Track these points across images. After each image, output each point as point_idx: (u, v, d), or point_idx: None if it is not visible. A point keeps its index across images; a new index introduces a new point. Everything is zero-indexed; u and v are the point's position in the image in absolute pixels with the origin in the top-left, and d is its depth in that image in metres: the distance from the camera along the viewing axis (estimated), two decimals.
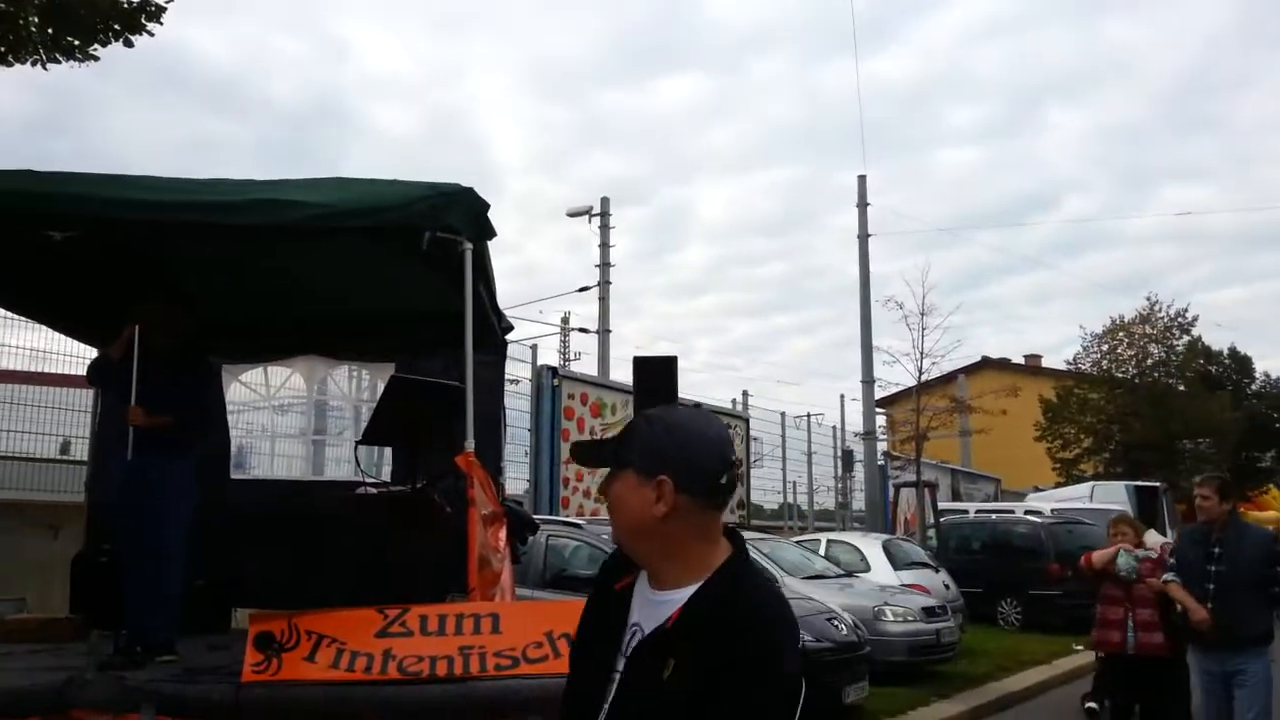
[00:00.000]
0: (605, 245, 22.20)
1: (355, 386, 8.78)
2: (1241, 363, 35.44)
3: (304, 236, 5.25)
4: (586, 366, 24.94)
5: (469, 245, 5.15)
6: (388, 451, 7.37)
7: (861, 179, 22.30)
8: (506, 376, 13.95)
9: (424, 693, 4.30)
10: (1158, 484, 25.10)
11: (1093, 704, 9.81)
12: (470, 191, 5.11)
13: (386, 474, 7.10)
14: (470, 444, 5.20)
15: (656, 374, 6.83)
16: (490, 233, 5.37)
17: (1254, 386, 35.30)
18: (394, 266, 5.74)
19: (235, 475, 7.85)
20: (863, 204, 22.01)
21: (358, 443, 6.24)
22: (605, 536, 9.30)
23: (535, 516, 10.02)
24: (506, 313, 7.12)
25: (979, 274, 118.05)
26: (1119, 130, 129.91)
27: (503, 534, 5.56)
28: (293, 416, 8.77)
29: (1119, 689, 7.47)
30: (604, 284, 22.08)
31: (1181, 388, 29.46)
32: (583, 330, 29.48)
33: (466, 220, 5.12)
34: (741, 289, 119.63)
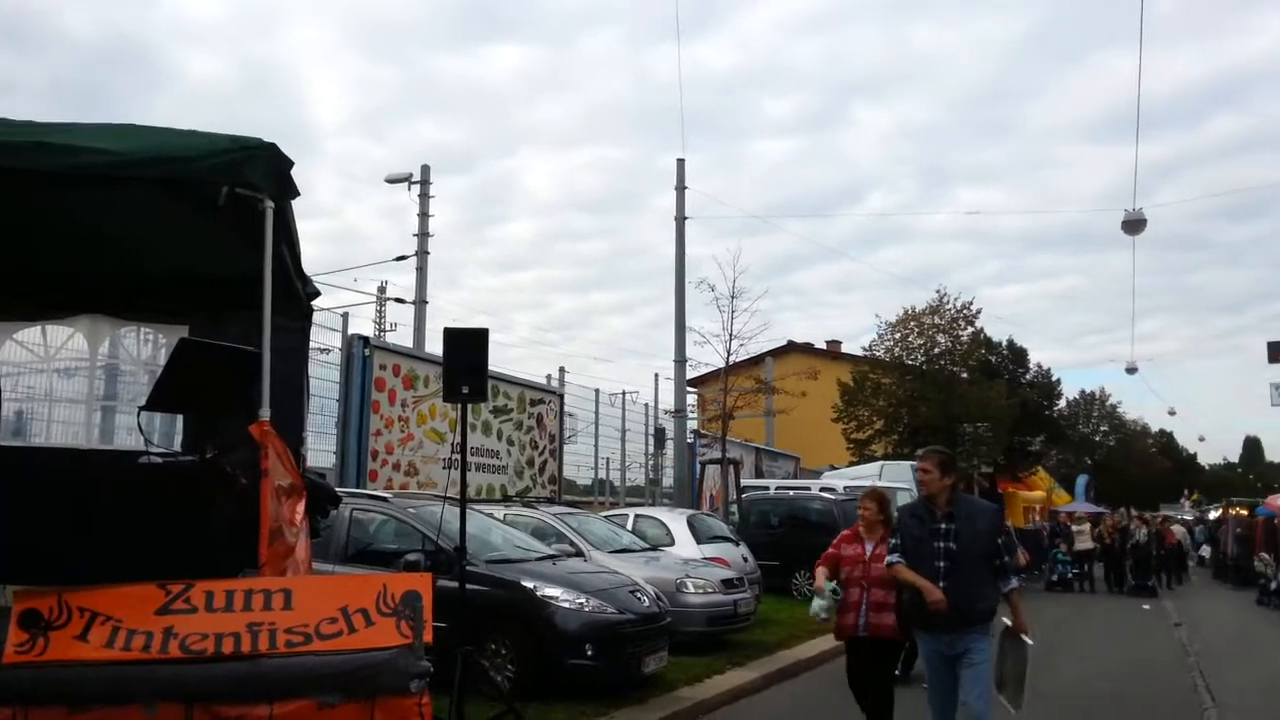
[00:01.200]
0: (424, 214, 21.71)
1: (146, 349, 8.24)
2: (1018, 354, 38.28)
3: (92, 185, 4.87)
4: (403, 338, 24.42)
5: (270, 204, 4.92)
6: (181, 419, 6.96)
7: (680, 162, 22.69)
8: (315, 345, 13.49)
9: (208, 672, 4.11)
10: None
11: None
12: (273, 147, 4.87)
13: (179, 443, 6.71)
14: (265, 412, 4.99)
15: (467, 347, 6.75)
16: (293, 192, 5.14)
17: (1028, 376, 38.21)
18: (190, 223, 5.41)
19: (7, 442, 7.24)
20: (681, 187, 22.39)
21: (141, 408, 5.85)
22: (413, 510, 9.13)
23: (341, 489, 9.74)
24: (320, 279, 6.86)
25: (788, 261, 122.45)
26: (920, 131, 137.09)
27: (300, 507, 5.37)
28: (75, 380, 8.15)
29: (852, 672, 7.06)
30: (422, 254, 21.60)
31: (964, 375, 31.51)
32: (399, 301, 28.77)
33: (268, 177, 4.88)
34: (563, 265, 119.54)
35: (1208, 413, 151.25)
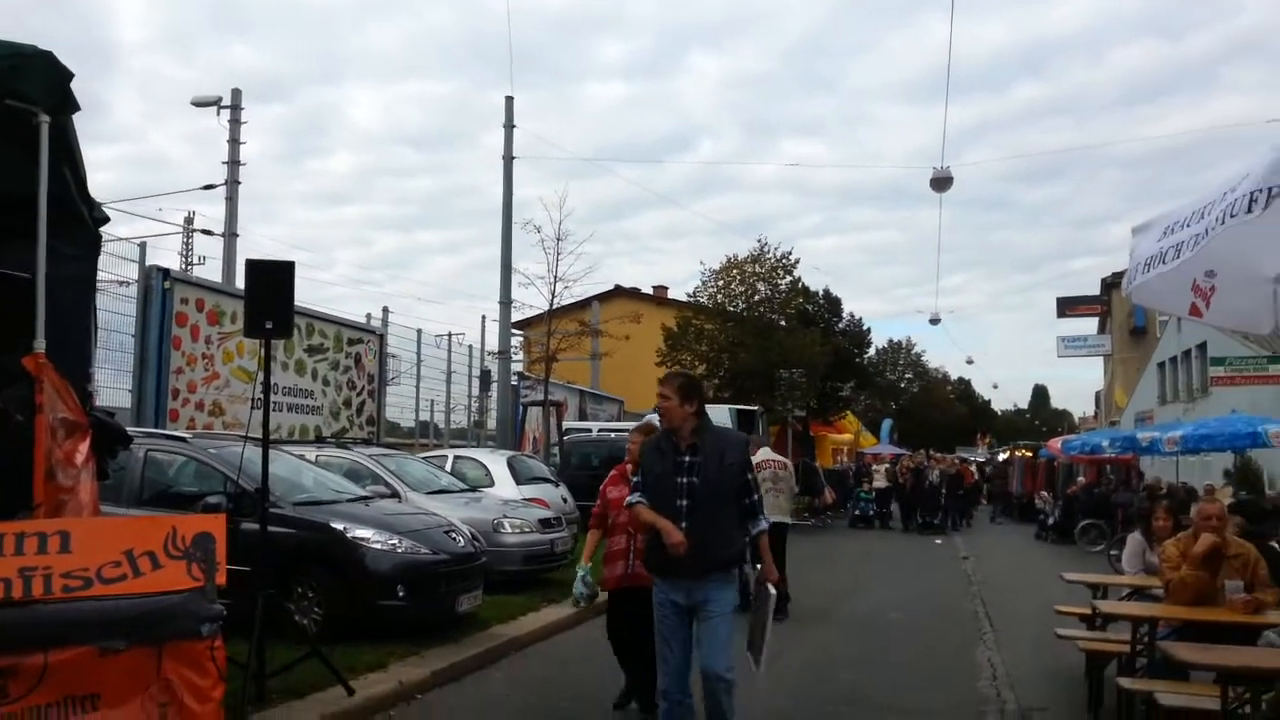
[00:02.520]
0: (235, 141, 20.53)
1: None
2: (833, 303, 39.77)
3: None
4: (213, 272, 23.14)
5: (46, 118, 4.53)
6: None
7: (509, 100, 22.23)
8: (110, 276, 12.60)
9: None
10: (756, 408, 27.77)
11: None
12: (48, 55, 4.48)
13: None
14: (40, 344, 4.64)
15: (272, 281, 6.44)
16: (73, 106, 4.74)
17: (841, 325, 39.76)
18: None
19: None
20: (509, 125, 21.98)
21: None
22: (213, 451, 8.74)
23: (137, 430, 9.20)
24: (120, 207, 6.41)
25: (619, 206, 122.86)
26: (750, 80, 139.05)
27: (83, 446, 5.03)
28: None
29: (613, 626, 6.65)
30: (233, 184, 20.46)
31: (782, 323, 32.55)
32: (207, 233, 27.21)
33: (43, 89, 4.49)
34: (388, 201, 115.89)
35: (1002, 362, 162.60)
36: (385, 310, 21.28)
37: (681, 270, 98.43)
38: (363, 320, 19.46)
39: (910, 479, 26.81)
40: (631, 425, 24.60)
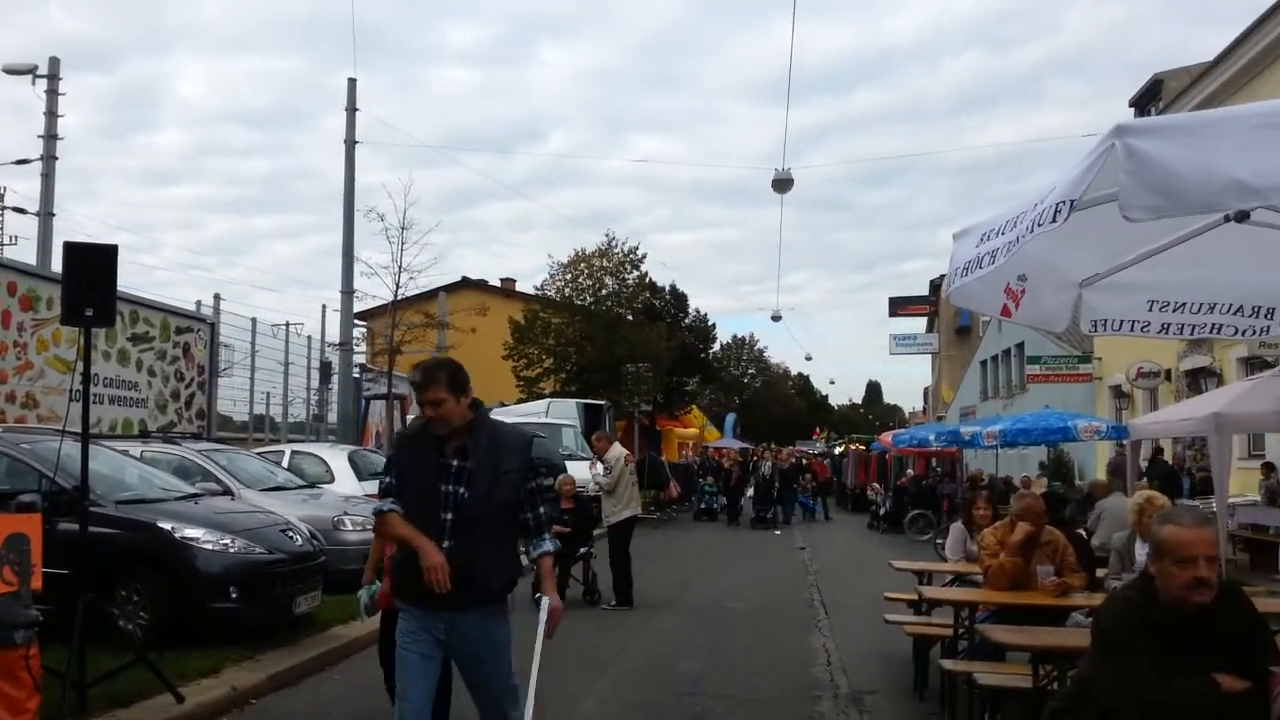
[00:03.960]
0: (53, 114, 19.20)
1: None
2: (679, 299, 40.49)
3: None
4: (25, 253, 21.61)
5: None
6: None
7: (352, 82, 21.64)
8: None
9: None
10: (603, 403, 27.96)
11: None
12: None
13: None
14: None
15: (92, 265, 6.07)
16: None
17: (687, 320, 40.53)
18: None
19: None
20: (352, 109, 21.39)
21: None
22: (26, 446, 8.19)
23: None
24: None
25: (467, 196, 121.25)
26: (601, 75, 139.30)
27: None
28: None
29: (386, 648, 5.73)
30: (49, 159, 19.12)
31: (629, 317, 32.89)
32: (20, 211, 25.34)
33: None
34: (221, 183, 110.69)
35: (839, 359, 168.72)
36: (217, 298, 20.41)
37: (530, 263, 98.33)
38: (192, 308, 18.59)
39: (736, 471, 26.82)
40: None
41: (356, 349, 23.70)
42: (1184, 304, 4.88)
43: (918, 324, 53.15)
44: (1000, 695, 5.69)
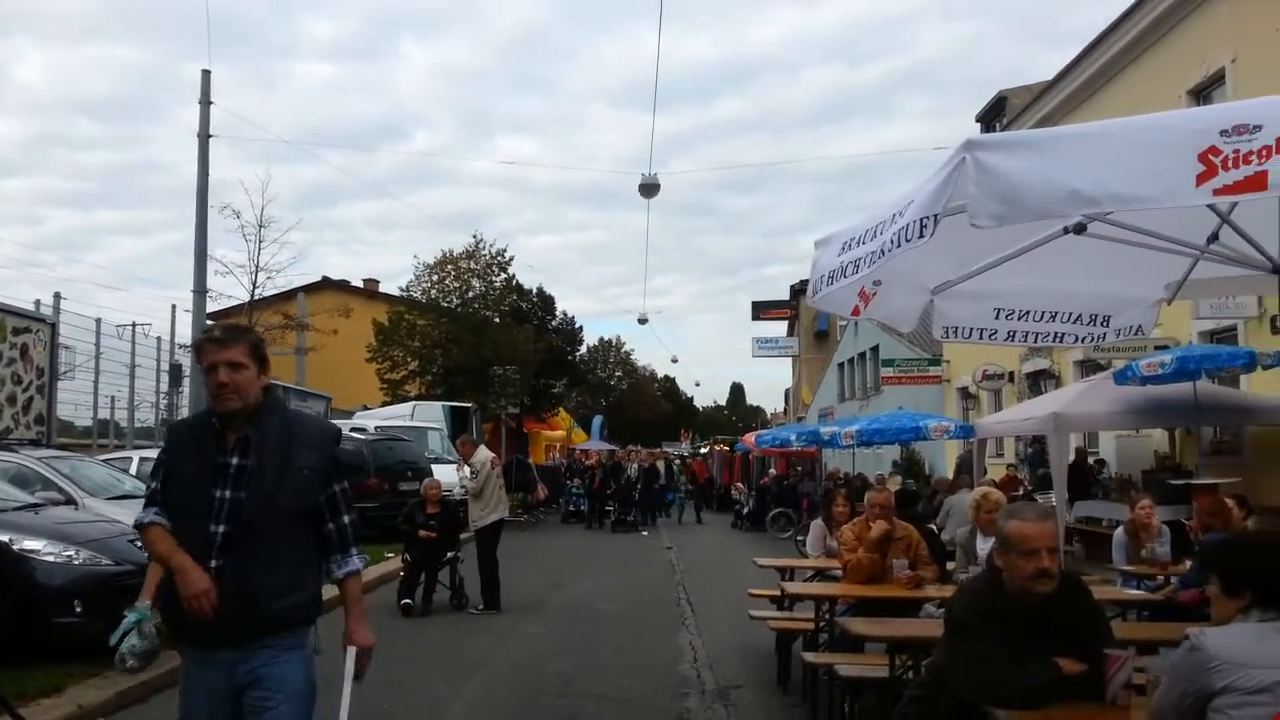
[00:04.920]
0: None
1: None
2: (546, 301, 40.39)
3: None
4: None
5: None
6: None
7: (206, 74, 20.75)
8: None
9: None
10: (470, 405, 27.65)
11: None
12: None
13: None
14: None
15: None
16: None
17: (554, 323, 40.46)
18: None
19: None
20: (206, 101, 20.50)
21: None
22: None
23: None
24: None
25: (328, 194, 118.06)
26: (467, 74, 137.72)
27: None
28: None
29: None
30: None
31: (496, 319, 32.63)
32: None
33: None
34: (61, 175, 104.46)
35: (704, 361, 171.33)
36: (57, 296, 19.26)
37: (394, 263, 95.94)
38: (31, 307, 17.51)
39: (600, 474, 26.39)
40: (341, 423, 23.68)
41: None
42: (1028, 312, 5.19)
43: (779, 327, 54.46)
44: (859, 685, 5.91)
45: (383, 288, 43.48)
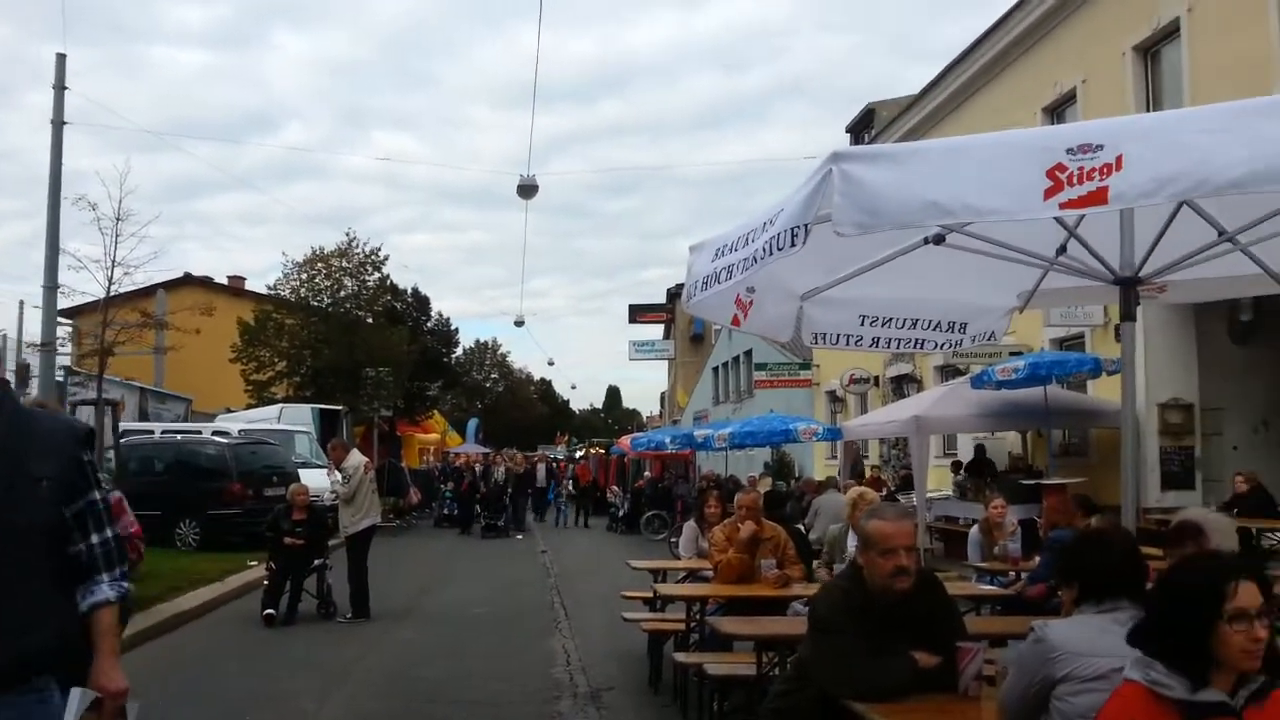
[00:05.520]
0: None
1: None
2: (422, 302, 39.73)
3: None
4: None
5: None
6: None
7: (60, 57, 19.67)
8: None
9: None
10: (340, 408, 26.98)
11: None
12: None
13: None
14: None
15: None
16: None
17: (429, 324, 39.84)
18: None
19: None
20: (60, 86, 19.44)
21: None
22: None
23: None
24: None
25: (192, 186, 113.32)
26: (342, 67, 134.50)
27: None
28: None
29: None
30: None
31: (369, 320, 31.92)
32: None
33: None
34: None
35: (580, 364, 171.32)
36: None
37: (262, 260, 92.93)
38: None
39: (470, 478, 25.66)
40: (202, 426, 22.74)
41: (61, 350, 21.55)
42: (891, 319, 5.39)
43: (656, 331, 54.96)
44: (728, 684, 6.02)
45: (249, 285, 42.09)
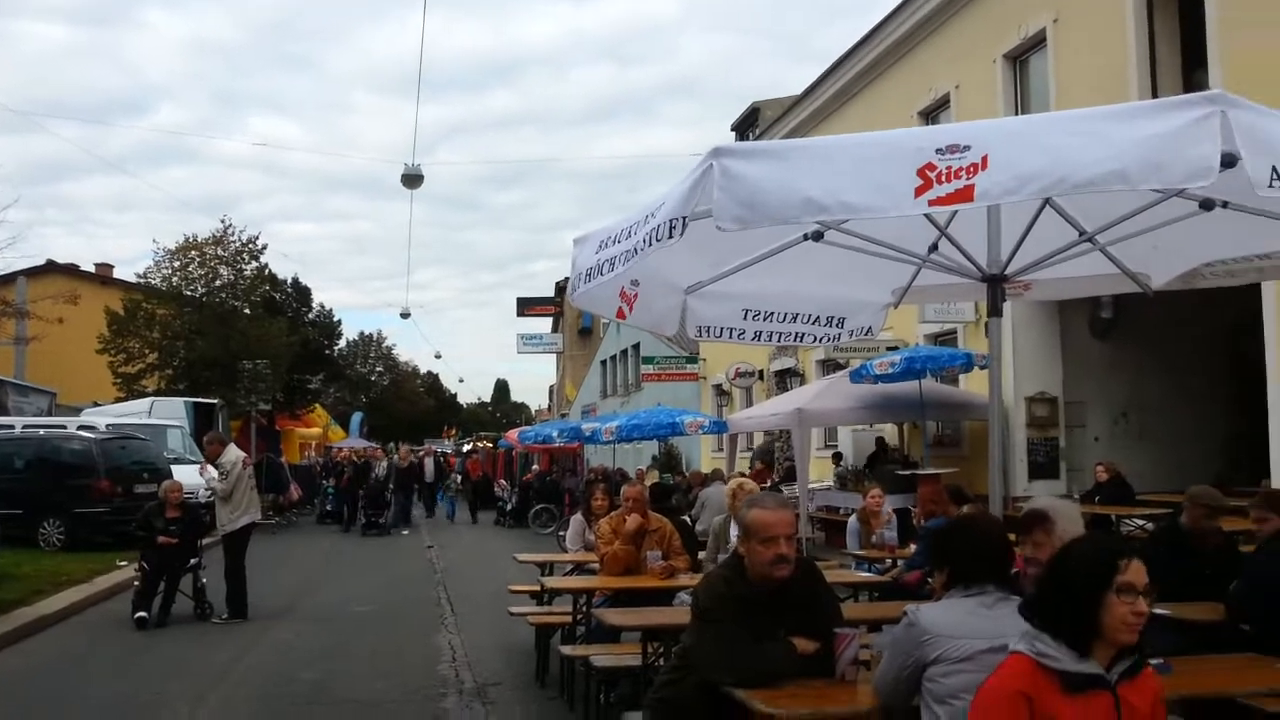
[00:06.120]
0: None
1: None
2: (302, 293, 38.68)
3: None
4: None
5: None
6: None
7: None
8: None
9: None
10: (215, 401, 26.07)
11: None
12: None
13: None
14: None
15: None
16: None
17: (311, 315, 38.80)
18: None
19: None
20: None
21: None
22: None
23: None
24: None
25: (55, 169, 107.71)
26: (217, 48, 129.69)
27: None
28: None
29: None
30: None
31: (247, 310, 30.90)
32: None
33: None
34: None
35: (468, 357, 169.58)
36: None
37: (132, 247, 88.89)
38: None
39: (350, 472, 24.79)
40: (66, 420, 21.74)
41: None
42: (773, 313, 5.49)
43: (544, 324, 54.76)
44: (614, 675, 6.05)
45: (118, 273, 40.31)
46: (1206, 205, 3.79)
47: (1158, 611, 4.82)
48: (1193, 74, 12.28)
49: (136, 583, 10.41)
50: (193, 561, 10.60)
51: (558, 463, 29.08)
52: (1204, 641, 4.84)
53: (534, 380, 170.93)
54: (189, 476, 14.25)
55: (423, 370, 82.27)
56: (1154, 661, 2.78)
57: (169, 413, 23.27)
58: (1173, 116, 2.88)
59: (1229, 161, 2.79)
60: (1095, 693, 2.47)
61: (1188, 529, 5.82)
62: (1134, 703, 2.51)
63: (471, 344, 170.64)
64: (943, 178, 2.90)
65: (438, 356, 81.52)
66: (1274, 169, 2.80)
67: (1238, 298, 10.43)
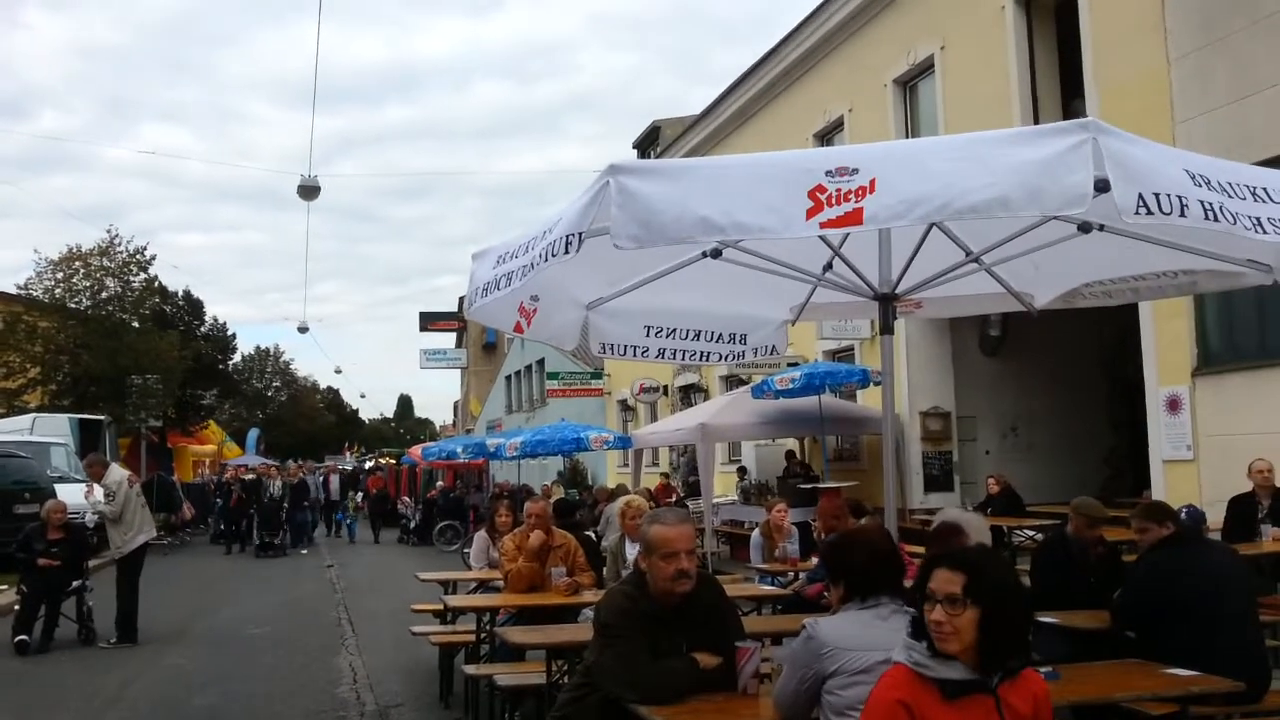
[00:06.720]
0: None
1: None
2: (194, 305, 37.56)
3: None
4: None
5: None
6: None
7: None
8: None
9: None
10: (102, 418, 25.08)
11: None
12: None
13: None
14: None
15: None
16: None
17: (203, 329, 37.65)
18: None
19: None
20: None
21: None
22: None
23: None
24: None
25: None
26: (104, 52, 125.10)
27: None
28: None
29: None
30: None
31: (135, 324, 29.84)
32: None
33: None
34: None
35: (370, 372, 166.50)
36: None
37: (11, 258, 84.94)
38: None
39: (239, 491, 23.67)
40: None
41: None
42: (675, 330, 5.55)
43: (448, 339, 54.12)
44: (519, 693, 6.01)
45: None
46: (1085, 228, 3.97)
47: (1046, 620, 5.04)
48: (1071, 101, 12.85)
49: (16, 607, 9.97)
50: (76, 584, 10.18)
51: (462, 479, 28.73)
52: (1090, 649, 4.97)
53: (438, 396, 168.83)
54: (73, 496, 13.64)
55: (323, 385, 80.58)
56: (1043, 670, 2.88)
57: (52, 429, 22.29)
58: (1048, 143, 2.98)
59: (1102, 186, 2.89)
60: (976, 697, 2.54)
61: (1073, 539, 6.02)
62: (1016, 705, 2.58)
63: (373, 359, 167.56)
64: (833, 200, 2.97)
65: (338, 371, 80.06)
66: (1140, 196, 2.91)
67: (1116, 316, 10.96)
